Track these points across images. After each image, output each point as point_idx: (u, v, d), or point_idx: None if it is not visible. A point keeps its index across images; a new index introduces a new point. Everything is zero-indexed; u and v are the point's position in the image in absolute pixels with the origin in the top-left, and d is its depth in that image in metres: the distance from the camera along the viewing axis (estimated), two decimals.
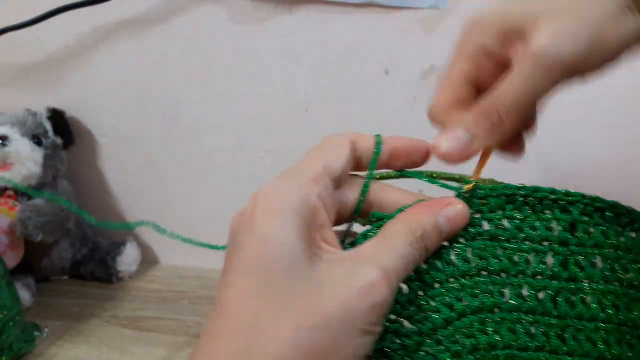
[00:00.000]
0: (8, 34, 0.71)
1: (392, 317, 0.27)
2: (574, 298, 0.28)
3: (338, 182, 0.28)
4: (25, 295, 0.68)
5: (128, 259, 0.75)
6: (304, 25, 0.65)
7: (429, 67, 0.64)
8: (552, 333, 0.28)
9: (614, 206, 0.29)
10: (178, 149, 0.76)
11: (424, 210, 0.27)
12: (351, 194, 0.29)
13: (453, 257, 0.28)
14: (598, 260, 0.28)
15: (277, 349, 0.23)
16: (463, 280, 0.28)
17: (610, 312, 0.28)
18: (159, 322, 0.66)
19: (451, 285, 0.28)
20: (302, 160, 0.28)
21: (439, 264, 0.28)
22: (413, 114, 0.67)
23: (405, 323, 0.28)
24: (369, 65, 0.66)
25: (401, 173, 0.31)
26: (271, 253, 0.24)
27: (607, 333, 0.28)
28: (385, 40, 0.64)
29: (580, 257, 0.28)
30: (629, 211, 0.29)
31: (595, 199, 0.29)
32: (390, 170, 0.31)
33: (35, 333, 0.62)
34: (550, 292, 0.28)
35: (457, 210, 0.28)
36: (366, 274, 0.24)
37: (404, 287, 0.28)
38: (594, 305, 0.28)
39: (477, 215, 0.29)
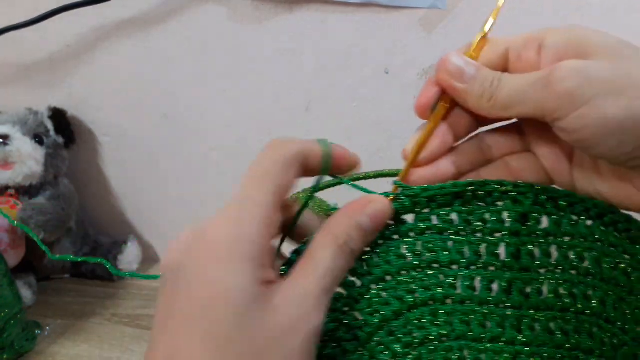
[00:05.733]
0: (9, 34, 0.71)
1: (345, 309, 0.28)
2: (528, 289, 0.28)
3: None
4: (26, 293, 0.68)
5: (129, 257, 0.76)
6: (304, 25, 0.65)
7: (429, 67, 0.64)
8: (507, 324, 0.28)
9: (568, 195, 0.29)
10: (178, 149, 0.76)
11: (345, 214, 0.27)
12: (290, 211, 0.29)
13: (404, 251, 0.29)
14: (553, 250, 0.28)
15: None
16: (414, 273, 0.28)
17: (567, 301, 0.28)
18: None
19: (403, 278, 0.28)
20: (250, 188, 0.26)
21: (390, 257, 0.29)
22: (413, 114, 0.67)
23: (357, 315, 0.28)
24: (369, 65, 0.66)
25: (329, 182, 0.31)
26: (221, 300, 0.22)
27: (565, 322, 0.28)
28: (385, 40, 0.64)
29: (533, 247, 0.28)
30: (583, 200, 0.29)
31: (546, 189, 0.29)
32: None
33: (36, 331, 0.62)
34: (503, 283, 0.28)
35: (377, 207, 0.28)
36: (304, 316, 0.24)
37: (357, 281, 0.28)
38: (550, 295, 0.28)
39: (426, 211, 0.29)
